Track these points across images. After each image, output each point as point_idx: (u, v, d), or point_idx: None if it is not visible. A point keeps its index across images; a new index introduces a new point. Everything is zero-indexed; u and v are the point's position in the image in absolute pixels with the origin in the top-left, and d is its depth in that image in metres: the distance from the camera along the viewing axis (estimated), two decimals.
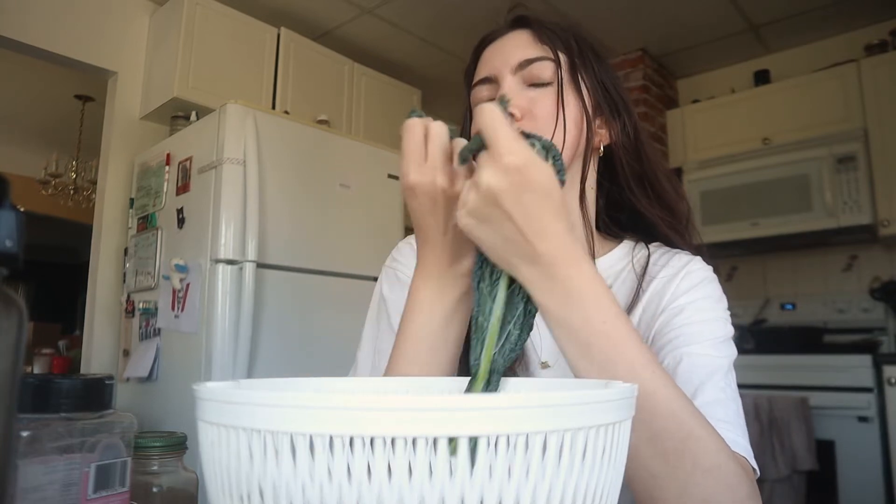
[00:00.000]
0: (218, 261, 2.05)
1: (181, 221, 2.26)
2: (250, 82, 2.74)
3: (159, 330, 2.27)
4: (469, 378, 0.47)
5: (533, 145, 0.46)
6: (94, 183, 3.37)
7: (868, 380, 2.40)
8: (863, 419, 2.39)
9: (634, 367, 0.48)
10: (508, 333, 0.47)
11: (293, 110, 2.75)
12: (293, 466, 0.27)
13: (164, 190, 2.37)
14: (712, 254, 0.76)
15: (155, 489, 0.58)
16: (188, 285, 2.14)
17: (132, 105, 2.72)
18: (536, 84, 0.71)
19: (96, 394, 0.50)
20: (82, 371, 2.63)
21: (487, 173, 0.44)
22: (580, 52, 0.73)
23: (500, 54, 0.73)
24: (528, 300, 0.48)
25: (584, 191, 0.74)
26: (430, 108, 3.67)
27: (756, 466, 0.57)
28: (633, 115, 0.76)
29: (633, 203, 0.76)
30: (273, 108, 2.76)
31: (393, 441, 0.26)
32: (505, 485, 0.27)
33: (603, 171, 0.77)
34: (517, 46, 0.72)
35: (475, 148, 0.46)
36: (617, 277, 0.74)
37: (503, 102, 0.46)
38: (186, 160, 2.28)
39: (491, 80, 0.73)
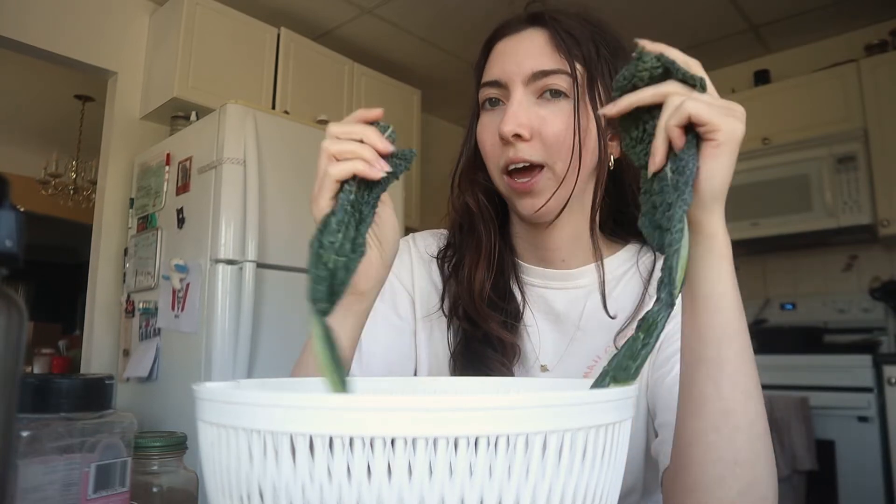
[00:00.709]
0: (218, 261, 2.05)
1: (181, 221, 2.26)
2: (250, 82, 2.74)
3: (159, 330, 2.27)
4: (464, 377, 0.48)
5: None
6: (94, 183, 3.37)
7: (868, 380, 2.40)
8: (863, 419, 2.39)
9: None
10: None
11: (293, 110, 2.75)
12: (293, 467, 0.27)
13: (164, 190, 2.37)
14: None
15: (155, 489, 0.58)
16: (188, 285, 2.14)
17: (132, 105, 2.72)
18: (550, 93, 0.67)
19: (96, 394, 0.50)
20: (82, 371, 2.63)
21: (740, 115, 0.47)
22: (598, 60, 0.68)
23: (512, 58, 0.68)
24: None
25: (596, 213, 0.71)
26: (430, 109, 3.67)
27: None
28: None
29: (636, 218, 0.74)
30: (273, 108, 2.76)
31: (393, 441, 0.26)
32: (505, 485, 0.27)
33: (610, 181, 0.73)
34: (532, 53, 0.68)
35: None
36: (621, 280, 0.74)
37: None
38: (186, 160, 2.28)
39: (501, 85, 0.69)
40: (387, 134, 0.52)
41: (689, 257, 0.46)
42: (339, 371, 0.38)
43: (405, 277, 0.79)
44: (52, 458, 0.46)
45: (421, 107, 3.46)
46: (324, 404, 0.27)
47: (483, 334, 0.70)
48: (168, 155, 2.39)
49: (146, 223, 2.46)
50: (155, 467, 0.58)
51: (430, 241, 0.82)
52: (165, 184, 2.37)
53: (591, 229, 0.71)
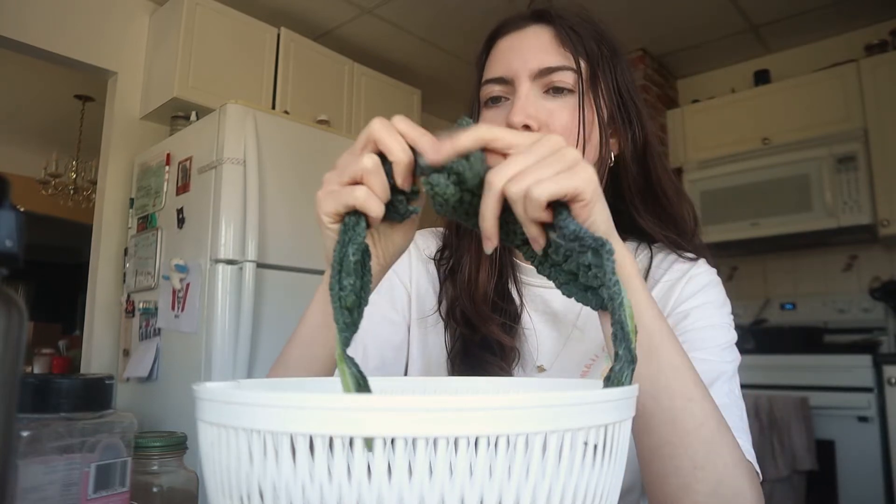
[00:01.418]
0: (218, 261, 2.05)
1: (181, 221, 2.26)
2: (250, 82, 2.74)
3: (159, 330, 2.27)
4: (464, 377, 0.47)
5: None
6: (94, 183, 3.38)
7: (868, 380, 2.40)
8: (863, 419, 2.39)
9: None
10: None
11: (293, 110, 2.75)
12: (293, 467, 0.27)
13: (164, 190, 2.37)
14: (713, 254, 0.75)
15: (155, 489, 0.58)
16: (188, 285, 2.14)
17: (132, 105, 2.72)
18: (554, 90, 0.67)
19: (96, 394, 0.50)
20: (82, 371, 2.63)
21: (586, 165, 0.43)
22: (601, 57, 0.69)
23: (518, 54, 0.68)
24: None
25: None
26: (430, 109, 3.67)
27: (759, 470, 0.57)
28: (646, 126, 0.72)
29: (633, 216, 0.74)
30: (273, 108, 2.76)
31: (393, 441, 0.26)
32: (505, 485, 0.27)
33: (609, 179, 0.74)
34: (537, 49, 0.68)
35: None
36: None
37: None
38: (186, 160, 2.28)
39: (505, 81, 0.69)
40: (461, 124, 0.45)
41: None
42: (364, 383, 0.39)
43: (404, 275, 0.79)
44: (52, 458, 0.46)
45: (421, 107, 3.46)
46: (324, 404, 0.27)
47: (481, 338, 0.70)
48: (168, 155, 2.39)
49: (146, 223, 2.46)
50: (155, 467, 0.58)
51: (430, 241, 0.81)
52: (165, 184, 2.37)
53: None
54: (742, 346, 0.69)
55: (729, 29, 3.11)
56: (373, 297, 0.76)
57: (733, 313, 0.71)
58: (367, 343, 0.74)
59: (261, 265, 2.09)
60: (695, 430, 0.49)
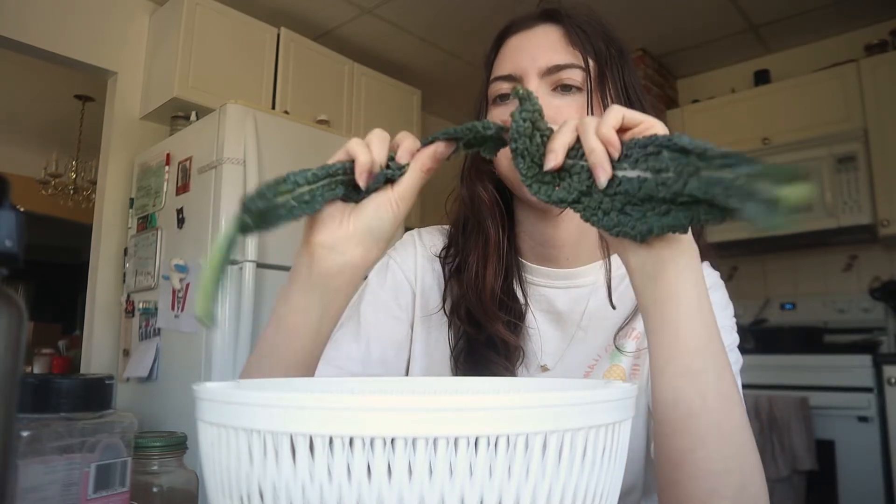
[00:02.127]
0: None
1: (181, 221, 2.26)
2: (250, 82, 2.74)
3: (159, 330, 2.27)
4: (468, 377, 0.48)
5: None
6: (94, 183, 3.37)
7: (868, 380, 2.40)
8: (863, 419, 2.39)
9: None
10: None
11: (293, 110, 2.75)
12: (293, 467, 0.27)
13: (164, 190, 2.37)
14: (717, 255, 0.75)
15: (155, 489, 0.58)
16: (188, 285, 2.14)
17: (132, 105, 2.72)
18: (563, 87, 0.68)
19: (96, 394, 0.50)
20: (82, 371, 2.63)
21: None
22: (608, 56, 0.70)
23: (527, 52, 0.69)
24: None
25: None
26: (430, 108, 3.67)
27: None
28: None
29: None
30: (273, 108, 2.76)
31: (393, 441, 0.26)
32: (505, 485, 0.27)
33: None
34: (546, 47, 0.68)
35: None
36: (623, 280, 0.74)
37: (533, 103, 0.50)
38: (186, 160, 2.28)
39: (514, 79, 0.69)
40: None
41: (664, 260, 0.47)
42: (214, 290, 0.41)
43: (409, 271, 0.79)
44: (52, 458, 0.46)
45: (421, 107, 3.46)
46: (324, 404, 0.27)
47: (487, 337, 0.69)
48: (168, 155, 2.38)
49: (146, 223, 2.46)
50: (155, 467, 0.58)
51: (436, 239, 0.81)
52: (165, 184, 2.37)
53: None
54: (742, 346, 0.69)
55: (729, 29, 3.11)
56: (378, 293, 0.76)
57: (734, 314, 0.72)
58: (371, 336, 0.74)
59: (261, 265, 2.09)
60: (732, 434, 0.48)
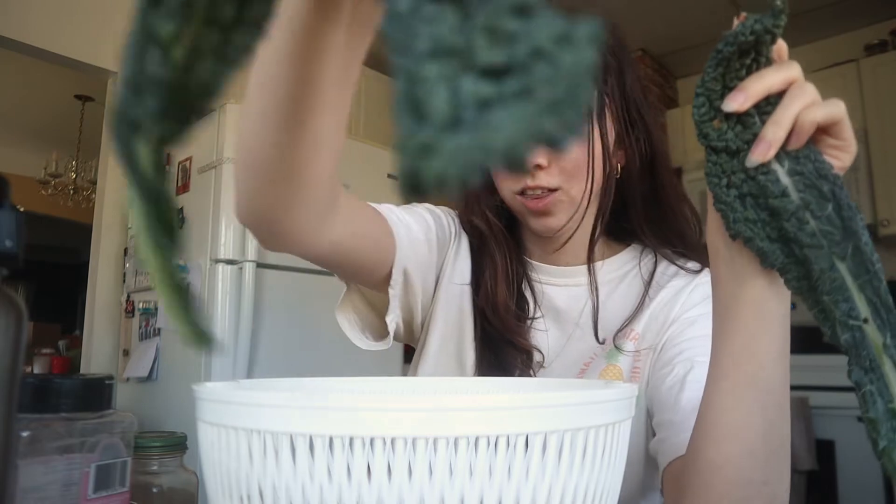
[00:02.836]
0: (218, 261, 2.05)
1: (181, 221, 2.26)
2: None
3: (159, 330, 2.27)
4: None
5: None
6: (94, 183, 3.37)
7: None
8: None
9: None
10: None
11: None
12: (293, 466, 0.27)
13: None
14: None
15: (155, 489, 0.58)
16: (188, 285, 2.14)
17: None
18: None
19: (96, 394, 0.50)
20: (82, 371, 2.63)
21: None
22: (608, 75, 0.67)
23: None
24: None
25: (598, 223, 0.71)
26: None
27: None
28: (655, 141, 0.71)
29: (634, 228, 0.74)
30: None
31: (393, 441, 0.26)
32: (505, 485, 0.27)
33: (615, 191, 0.72)
34: None
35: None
36: (622, 280, 0.74)
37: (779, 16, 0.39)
38: (186, 160, 2.28)
39: None
40: None
41: (756, 267, 0.42)
42: (182, 305, 0.23)
43: (453, 228, 0.77)
44: (52, 458, 0.46)
45: None
46: (324, 404, 0.27)
47: (506, 340, 0.71)
48: (168, 155, 2.38)
49: None
50: (155, 467, 0.58)
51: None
52: None
53: (591, 240, 0.72)
54: None
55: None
56: (424, 215, 0.73)
57: None
58: (410, 222, 0.70)
59: (261, 265, 2.09)
60: (779, 447, 0.47)
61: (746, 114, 0.41)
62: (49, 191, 4.09)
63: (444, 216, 0.77)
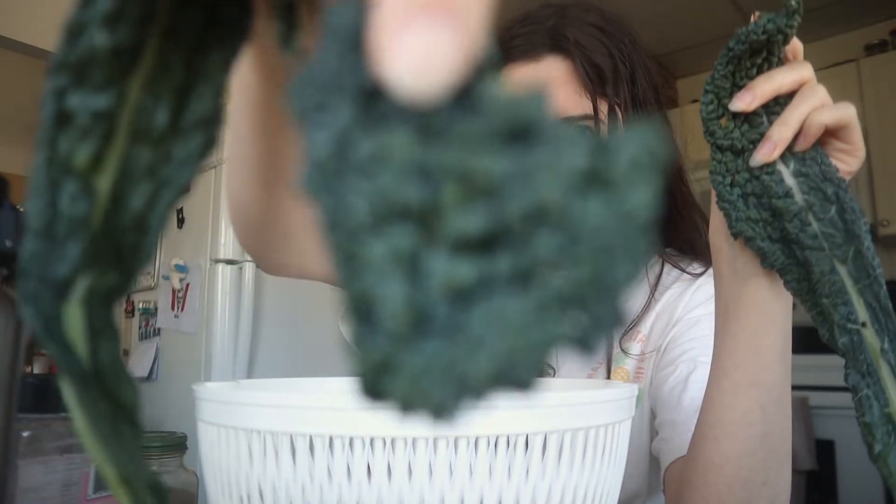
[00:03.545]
0: (218, 261, 2.05)
1: (181, 221, 2.25)
2: None
3: (159, 330, 2.27)
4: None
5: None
6: None
7: None
8: None
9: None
10: None
11: None
12: (293, 467, 0.27)
13: None
14: None
15: None
16: (188, 285, 2.14)
17: None
18: None
19: None
20: None
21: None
22: (620, 85, 0.64)
23: None
24: None
25: None
26: None
27: None
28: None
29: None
30: None
31: (393, 441, 0.26)
32: (505, 485, 0.27)
33: None
34: (553, 89, 0.62)
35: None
36: None
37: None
38: None
39: None
40: None
41: (758, 267, 0.42)
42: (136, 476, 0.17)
43: None
44: (52, 458, 0.46)
45: None
46: (324, 404, 0.27)
47: None
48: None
49: None
50: (155, 467, 0.58)
51: None
52: None
53: None
54: None
55: (729, 29, 3.07)
56: None
57: None
58: None
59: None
60: (779, 447, 0.47)
61: (754, 113, 0.40)
62: None
63: None
